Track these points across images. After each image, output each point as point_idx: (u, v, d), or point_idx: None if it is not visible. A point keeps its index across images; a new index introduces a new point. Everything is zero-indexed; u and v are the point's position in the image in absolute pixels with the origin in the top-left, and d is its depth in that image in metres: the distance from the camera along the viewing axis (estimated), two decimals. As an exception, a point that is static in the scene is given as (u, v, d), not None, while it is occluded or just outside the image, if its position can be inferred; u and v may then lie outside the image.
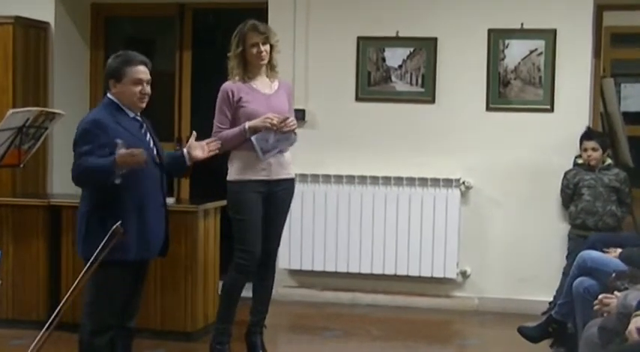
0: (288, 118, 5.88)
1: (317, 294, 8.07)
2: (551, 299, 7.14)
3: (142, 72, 4.97)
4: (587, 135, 7.38)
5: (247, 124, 5.84)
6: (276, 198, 6.01)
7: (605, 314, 4.60)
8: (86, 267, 4.62)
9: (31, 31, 8.18)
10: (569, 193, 7.38)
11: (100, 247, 4.54)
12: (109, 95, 5.01)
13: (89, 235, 4.85)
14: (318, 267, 8.00)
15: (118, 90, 4.96)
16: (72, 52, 8.70)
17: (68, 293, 4.72)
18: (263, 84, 6.02)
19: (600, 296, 4.63)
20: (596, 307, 4.65)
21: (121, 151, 4.76)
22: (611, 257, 5.70)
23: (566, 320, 6.01)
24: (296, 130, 6.00)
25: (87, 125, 4.87)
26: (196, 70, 8.81)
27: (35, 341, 4.41)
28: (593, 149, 7.28)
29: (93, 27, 8.97)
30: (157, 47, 9.26)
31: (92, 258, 4.59)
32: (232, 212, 6.02)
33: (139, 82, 4.96)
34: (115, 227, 4.45)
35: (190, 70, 8.81)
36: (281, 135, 5.87)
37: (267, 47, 5.94)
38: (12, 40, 7.93)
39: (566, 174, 7.42)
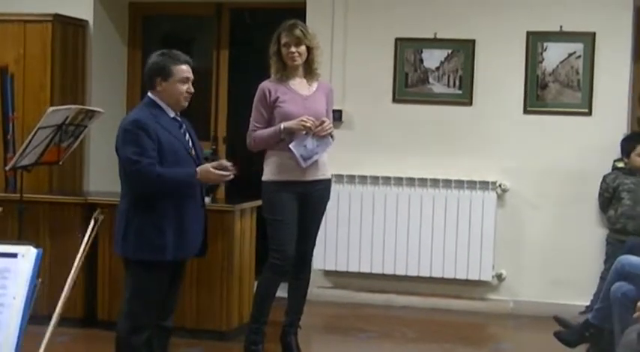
0: (323, 122, 5.84)
1: (351, 295, 8.06)
2: (588, 303, 7.10)
3: (188, 71, 4.99)
4: None
5: (283, 125, 5.81)
6: (311, 198, 5.98)
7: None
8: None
9: (69, 29, 8.23)
10: (608, 197, 7.32)
11: None
12: (150, 94, 4.99)
13: (128, 233, 4.88)
14: (353, 268, 7.98)
15: (164, 88, 4.93)
16: (110, 50, 8.74)
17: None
18: (301, 85, 5.97)
19: (639, 304, 4.58)
20: (636, 314, 4.60)
21: (205, 167, 4.96)
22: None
23: (603, 325, 5.97)
24: (333, 132, 5.97)
25: (129, 126, 4.87)
26: (233, 69, 8.83)
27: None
28: None
29: (131, 25, 9.02)
30: (194, 46, 9.28)
31: None
32: (266, 212, 6.01)
33: (186, 80, 4.96)
34: None
35: (227, 68, 8.83)
36: (319, 140, 5.84)
37: (302, 49, 5.89)
38: (51, 37, 7.97)
39: (605, 177, 7.36)
